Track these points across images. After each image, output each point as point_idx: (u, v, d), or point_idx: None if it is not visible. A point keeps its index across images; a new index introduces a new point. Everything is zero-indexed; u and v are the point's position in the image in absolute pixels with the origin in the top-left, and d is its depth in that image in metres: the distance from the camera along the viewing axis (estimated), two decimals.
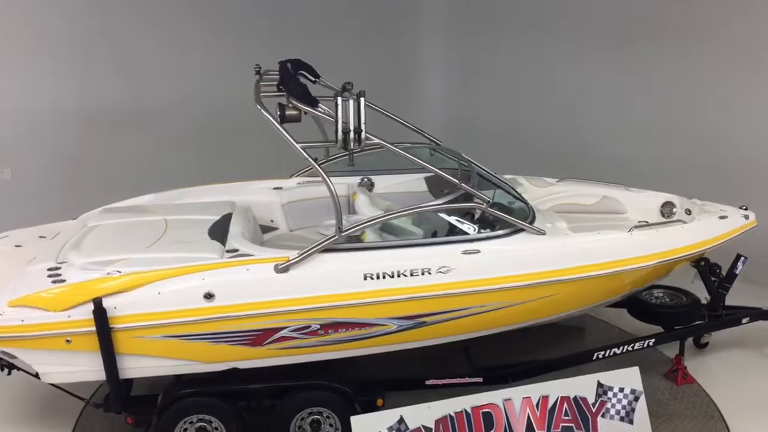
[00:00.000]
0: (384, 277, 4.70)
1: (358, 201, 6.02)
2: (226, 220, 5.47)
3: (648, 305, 6.05)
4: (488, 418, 4.89)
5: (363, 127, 4.41)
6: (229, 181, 6.44)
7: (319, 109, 4.63)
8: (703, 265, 5.98)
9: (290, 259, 4.64)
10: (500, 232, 4.98)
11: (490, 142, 9.53)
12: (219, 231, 5.24)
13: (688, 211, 6.05)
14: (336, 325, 4.75)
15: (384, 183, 6.51)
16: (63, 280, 4.61)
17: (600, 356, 5.56)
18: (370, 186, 6.48)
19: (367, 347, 4.95)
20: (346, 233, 4.66)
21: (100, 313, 4.39)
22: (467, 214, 5.17)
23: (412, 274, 4.73)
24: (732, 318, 6.13)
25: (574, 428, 5.04)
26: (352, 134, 4.42)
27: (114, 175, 8.25)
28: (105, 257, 4.78)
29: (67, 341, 4.49)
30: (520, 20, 9.64)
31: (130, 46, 8.26)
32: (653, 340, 5.77)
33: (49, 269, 4.79)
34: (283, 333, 4.70)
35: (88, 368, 4.63)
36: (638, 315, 6.10)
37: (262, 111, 4.58)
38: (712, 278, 6.09)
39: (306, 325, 4.70)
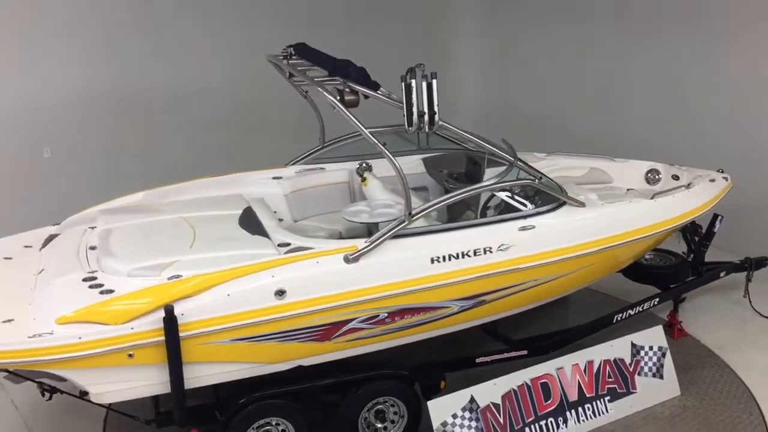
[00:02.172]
0: (450, 259, 4.68)
1: (371, 186, 5.93)
2: (249, 214, 5.22)
3: (645, 267, 6.41)
4: (546, 388, 5.04)
5: (437, 109, 4.33)
6: (221, 174, 6.10)
7: (380, 92, 4.50)
8: (688, 226, 6.42)
9: (359, 248, 4.50)
10: (548, 206, 5.09)
11: (523, 126, 9.49)
12: (252, 226, 4.99)
13: (676, 177, 6.47)
14: (402, 312, 4.68)
15: (382, 166, 6.42)
16: (111, 291, 4.22)
17: (619, 318, 5.86)
18: (368, 170, 6.38)
19: (427, 332, 4.92)
20: (415, 217, 4.58)
21: (170, 322, 4.06)
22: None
23: (475, 254, 4.75)
24: (713, 273, 6.64)
25: (617, 389, 5.31)
26: (426, 117, 4.33)
27: (147, 151, 8.48)
28: (151, 261, 4.42)
29: (129, 356, 4.11)
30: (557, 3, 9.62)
31: (167, 31, 8.39)
32: (657, 300, 6.14)
33: (85, 280, 4.37)
34: (351, 325, 4.57)
35: (149, 382, 4.27)
36: (635, 277, 6.45)
37: (326, 95, 4.38)
38: (695, 237, 6.55)
39: (374, 314, 4.60)
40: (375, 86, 4.48)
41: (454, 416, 4.70)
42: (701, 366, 5.97)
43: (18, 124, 7.62)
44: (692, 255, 6.60)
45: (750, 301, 6.86)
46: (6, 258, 5.11)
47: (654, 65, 8.57)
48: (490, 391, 4.85)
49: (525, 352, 5.36)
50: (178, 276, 4.23)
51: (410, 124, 4.34)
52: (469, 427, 4.71)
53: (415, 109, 4.29)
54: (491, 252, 4.78)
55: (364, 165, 6.37)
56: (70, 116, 7.90)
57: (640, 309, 5.99)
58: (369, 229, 5.80)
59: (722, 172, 6.51)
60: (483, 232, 4.83)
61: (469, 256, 4.73)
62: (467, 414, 4.73)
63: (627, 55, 8.83)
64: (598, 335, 5.71)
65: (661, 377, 5.52)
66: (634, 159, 6.75)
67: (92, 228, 5.27)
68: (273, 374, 4.58)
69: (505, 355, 5.30)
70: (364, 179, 6.02)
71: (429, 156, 6.59)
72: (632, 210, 5.42)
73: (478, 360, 5.24)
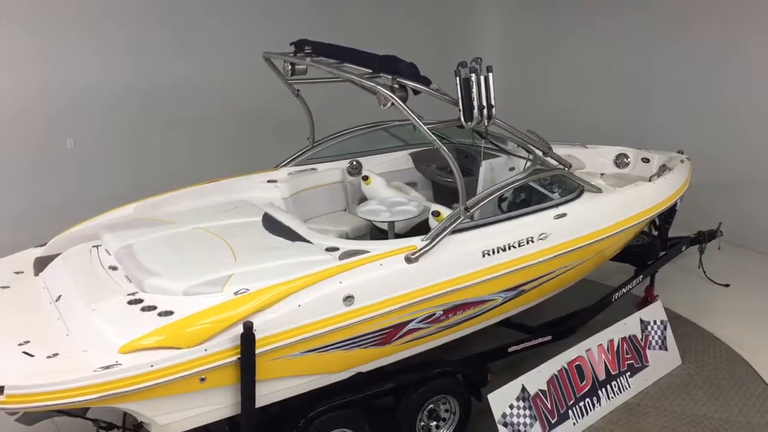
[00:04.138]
0: (498, 252, 4.71)
1: (374, 184, 5.86)
2: (271, 220, 5.00)
3: (627, 247, 6.74)
4: (580, 370, 5.21)
5: (494, 102, 4.33)
6: (212, 181, 5.79)
7: (432, 87, 4.43)
8: None
9: (419, 247, 4.42)
10: (573, 194, 5.24)
11: (544, 118, 9.28)
12: (283, 232, 4.79)
13: (646, 159, 6.85)
14: (455, 309, 4.66)
15: (371, 163, 6.36)
16: (169, 312, 3.89)
17: (616, 297, 6.14)
18: (359, 168, 6.29)
19: (472, 326, 4.94)
20: (472, 211, 4.56)
21: (248, 339, 3.80)
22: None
23: (519, 245, 4.81)
24: (677, 248, 7.10)
25: (634, 364, 5.59)
26: (485, 111, 4.31)
27: (169, 145, 8.40)
28: (206, 277, 4.12)
29: (201, 380, 3.81)
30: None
31: (191, 24, 8.28)
32: (641, 276, 6.49)
33: (131, 303, 4.01)
34: (410, 326, 4.49)
35: (218, 406, 3.99)
36: (618, 258, 6.76)
37: (383, 91, 4.25)
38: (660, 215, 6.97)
39: (431, 313, 4.54)
40: (426, 81, 4.41)
41: (511, 407, 4.75)
42: (687, 335, 6.39)
43: (42, 113, 7.52)
44: (658, 232, 7.02)
45: (704, 271, 7.40)
46: (2, 287, 4.58)
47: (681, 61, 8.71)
48: (536, 379, 4.94)
49: (549, 338, 5.49)
50: (245, 290, 3.97)
51: (469, 118, 4.31)
52: (525, 415, 4.78)
53: (476, 104, 4.26)
54: (533, 242, 4.86)
55: (354, 163, 6.26)
56: (94, 108, 7.84)
57: (631, 286, 6.31)
58: (375, 229, 5.73)
59: (682, 153, 6.97)
60: (525, 223, 4.90)
61: (514, 247, 4.78)
62: (521, 403, 4.79)
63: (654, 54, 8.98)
64: (599, 316, 5.95)
65: (666, 349, 5.86)
66: (604, 145, 7.07)
67: (96, 247, 4.83)
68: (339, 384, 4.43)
69: (533, 342, 5.41)
70: (366, 178, 5.92)
71: (417, 151, 6.58)
72: (639, 193, 5.70)
73: (510, 349, 5.31)
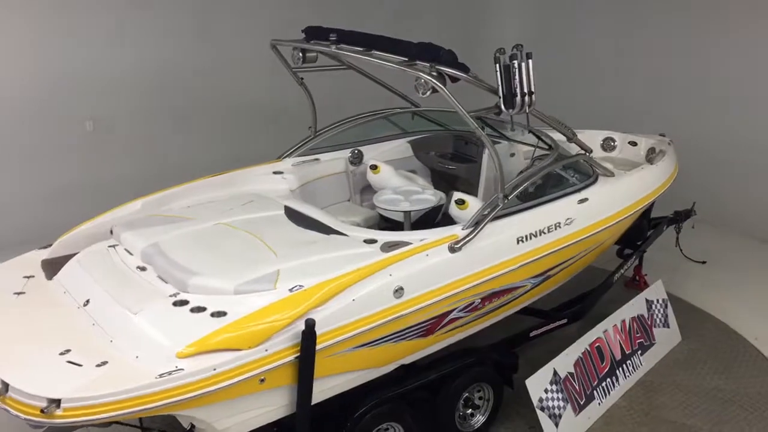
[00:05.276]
0: (531, 238, 4.73)
1: (384, 173, 5.80)
2: (294, 213, 4.89)
3: None
4: (600, 351, 5.33)
5: (534, 89, 4.33)
6: (216, 174, 5.59)
7: (471, 74, 4.38)
8: None
9: (461, 236, 4.39)
10: (591, 179, 5.32)
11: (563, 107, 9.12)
12: (314, 225, 4.69)
13: (633, 143, 7.02)
14: (491, 296, 4.67)
15: (372, 153, 6.28)
16: (222, 312, 3.73)
17: (616, 278, 6.29)
18: (360, 157, 6.20)
19: (503, 313, 4.97)
20: (511, 197, 4.56)
21: (310, 336, 3.69)
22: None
23: (548, 230, 4.85)
24: (659, 228, 7.32)
25: (644, 342, 5.75)
26: (527, 98, 4.31)
27: (185, 130, 8.68)
28: (253, 274, 3.98)
29: (261, 381, 3.67)
30: None
31: (210, 10, 8.48)
32: (634, 257, 6.67)
33: (179, 304, 3.83)
34: (452, 315, 4.47)
35: (273, 407, 3.87)
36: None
37: (427, 78, 4.17)
38: None
39: (471, 302, 4.53)
40: (465, 69, 4.36)
41: (546, 391, 4.80)
42: (678, 312, 6.57)
43: (63, 96, 7.77)
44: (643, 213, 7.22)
45: (681, 250, 7.66)
46: (18, 293, 4.30)
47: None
48: (565, 362, 5.01)
49: (565, 321, 5.57)
50: (299, 286, 3.85)
51: (511, 106, 4.30)
52: (558, 399, 4.85)
53: (518, 91, 4.25)
54: (560, 227, 4.91)
55: (356, 152, 6.17)
56: (114, 91, 8.06)
57: (627, 267, 6.47)
58: (382, 219, 5.67)
59: (664, 135, 7.18)
60: (553, 208, 4.94)
61: (544, 233, 4.82)
62: (554, 387, 4.86)
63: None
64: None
65: (668, 326, 6.06)
66: (591, 129, 7.19)
67: (113, 246, 4.59)
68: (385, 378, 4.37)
69: (551, 325, 5.47)
70: (374, 167, 5.83)
71: (415, 139, 6.53)
72: (646, 176, 5.85)
73: (531, 334, 5.35)
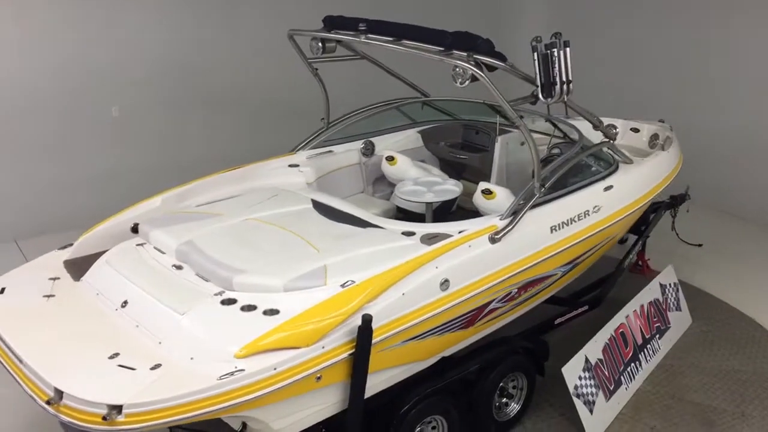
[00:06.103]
0: (563, 227, 4.75)
1: (401, 164, 5.76)
2: (324, 207, 4.82)
3: None
4: (623, 336, 5.38)
5: (571, 77, 4.32)
6: (232, 168, 5.48)
7: (508, 63, 4.36)
8: None
9: (500, 226, 4.38)
10: (613, 166, 5.35)
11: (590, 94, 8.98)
12: (346, 218, 4.63)
13: (635, 130, 7.09)
14: (526, 286, 4.67)
15: (383, 144, 6.23)
16: (274, 310, 3.66)
17: (626, 264, 6.36)
18: (371, 149, 6.15)
19: (533, 303, 4.98)
20: (548, 186, 4.55)
21: (367, 332, 3.64)
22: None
23: (578, 219, 4.87)
24: (658, 212, 7.42)
25: (661, 326, 5.83)
26: (565, 86, 4.30)
27: (206, 117, 8.77)
28: (301, 270, 3.90)
29: (317, 378, 3.61)
30: None
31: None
32: (640, 242, 6.76)
33: (227, 303, 3.73)
34: (491, 306, 4.46)
35: (327, 405, 3.81)
36: None
37: (468, 66, 4.13)
38: None
39: (509, 292, 4.53)
40: (503, 57, 4.33)
41: (580, 378, 4.82)
42: (685, 295, 6.71)
43: (91, 81, 7.90)
44: None
45: (677, 234, 7.79)
46: (47, 296, 4.14)
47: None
48: (594, 349, 5.04)
49: (586, 308, 5.62)
50: (351, 282, 3.78)
51: (550, 94, 4.29)
52: (590, 385, 4.87)
53: (558, 79, 4.24)
54: (589, 215, 4.93)
55: (368, 143, 6.12)
56: (141, 78, 8.19)
57: (636, 252, 6.55)
58: (398, 210, 5.64)
59: (663, 122, 7.27)
60: (582, 196, 4.95)
61: (575, 221, 4.83)
62: (587, 374, 4.88)
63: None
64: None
65: (680, 309, 6.15)
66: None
67: (141, 245, 4.46)
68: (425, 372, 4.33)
69: (574, 313, 5.52)
70: (391, 158, 5.78)
71: (425, 128, 6.49)
72: (661, 162, 5.91)
73: (556, 321, 5.38)
